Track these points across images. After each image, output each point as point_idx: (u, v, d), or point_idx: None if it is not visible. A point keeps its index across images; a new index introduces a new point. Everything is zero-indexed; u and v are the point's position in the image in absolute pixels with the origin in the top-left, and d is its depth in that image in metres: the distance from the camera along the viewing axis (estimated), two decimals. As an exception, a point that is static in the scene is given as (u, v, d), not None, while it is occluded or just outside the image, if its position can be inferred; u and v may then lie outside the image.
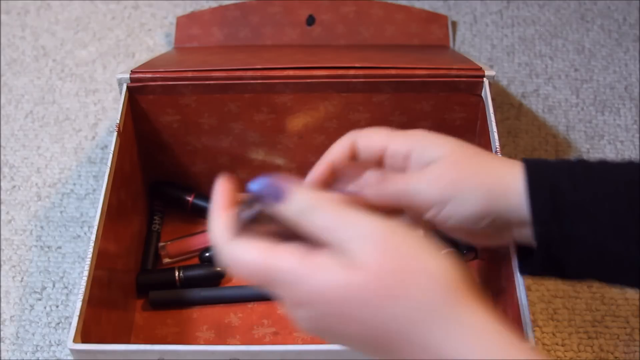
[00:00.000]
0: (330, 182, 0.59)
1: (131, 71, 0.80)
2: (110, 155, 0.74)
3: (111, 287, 0.72)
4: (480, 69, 0.79)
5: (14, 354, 0.79)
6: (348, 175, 0.60)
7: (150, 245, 0.85)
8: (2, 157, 0.94)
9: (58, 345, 0.79)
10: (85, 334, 0.63)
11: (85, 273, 0.66)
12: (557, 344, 0.78)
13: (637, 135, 0.94)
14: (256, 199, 0.49)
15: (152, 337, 0.79)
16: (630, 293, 0.81)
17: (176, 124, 0.83)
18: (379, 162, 0.59)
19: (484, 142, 0.79)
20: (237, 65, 0.80)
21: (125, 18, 1.07)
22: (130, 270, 0.80)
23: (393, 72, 0.79)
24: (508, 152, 0.93)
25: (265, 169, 0.87)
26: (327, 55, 0.91)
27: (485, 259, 0.81)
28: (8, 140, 0.95)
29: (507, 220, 0.56)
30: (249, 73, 0.80)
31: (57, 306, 0.82)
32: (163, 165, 0.87)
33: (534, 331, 0.62)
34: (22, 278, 0.84)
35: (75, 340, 0.62)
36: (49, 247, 0.86)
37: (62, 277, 0.84)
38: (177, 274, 0.81)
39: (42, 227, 0.88)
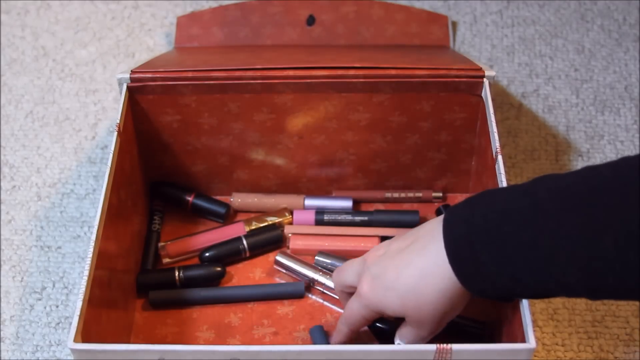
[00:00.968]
0: None
1: (131, 71, 0.80)
2: (110, 155, 0.74)
3: (111, 287, 0.72)
4: (480, 69, 0.79)
5: (14, 354, 0.79)
6: None
7: (150, 245, 0.85)
8: (2, 157, 0.94)
9: (58, 345, 0.79)
10: (86, 333, 0.64)
11: (85, 273, 0.66)
12: (557, 344, 0.78)
13: (637, 135, 0.94)
14: None
15: (152, 337, 0.79)
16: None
17: (176, 124, 0.83)
18: None
19: (484, 142, 0.79)
20: (237, 65, 0.80)
21: (125, 18, 1.07)
22: (130, 270, 0.80)
23: (393, 72, 0.79)
24: (508, 152, 0.93)
25: (265, 169, 0.87)
26: (327, 55, 0.91)
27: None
28: (8, 140, 0.95)
29: None
30: (249, 73, 0.80)
31: (57, 306, 0.82)
32: (163, 165, 0.87)
33: (534, 331, 0.62)
34: (22, 278, 0.84)
35: (75, 340, 0.62)
36: (49, 247, 0.86)
37: (62, 277, 0.84)
38: (177, 274, 0.81)
39: (42, 227, 0.88)
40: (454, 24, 1.05)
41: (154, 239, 0.85)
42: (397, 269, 0.66)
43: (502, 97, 0.98)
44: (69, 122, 0.97)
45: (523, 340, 0.62)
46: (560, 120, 0.96)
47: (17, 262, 0.85)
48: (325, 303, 0.81)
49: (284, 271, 0.83)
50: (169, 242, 0.85)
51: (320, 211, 0.87)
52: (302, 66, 0.80)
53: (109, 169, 0.73)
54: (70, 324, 0.70)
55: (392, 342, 0.71)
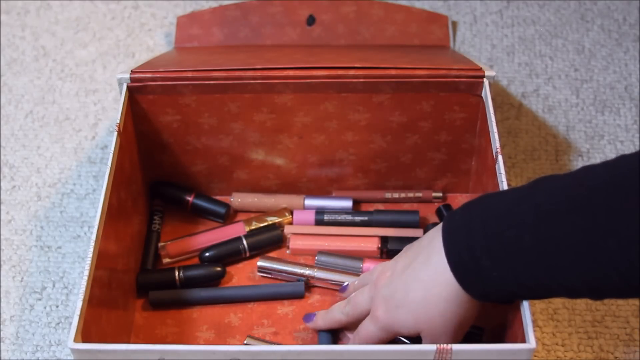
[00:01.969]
0: None
1: (131, 71, 0.80)
2: (110, 155, 0.74)
3: (111, 287, 0.72)
4: (480, 69, 0.79)
5: (14, 354, 0.79)
6: None
7: (150, 245, 0.85)
8: (2, 157, 0.94)
9: (58, 345, 0.79)
10: (86, 333, 0.64)
11: (85, 273, 0.66)
12: (557, 344, 0.78)
13: (637, 135, 0.94)
14: None
15: (152, 337, 0.79)
16: (630, 293, 0.81)
17: (176, 124, 0.83)
18: None
19: (484, 142, 0.79)
20: (237, 65, 0.80)
21: (125, 18, 1.07)
22: (130, 270, 0.80)
23: (393, 72, 0.79)
24: (508, 152, 0.93)
25: (265, 169, 0.87)
26: (327, 55, 0.91)
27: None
28: (8, 140, 0.95)
29: None
30: (249, 73, 0.80)
31: (57, 306, 0.82)
32: (163, 165, 0.87)
33: (534, 331, 0.62)
34: (22, 278, 0.84)
35: (75, 340, 0.62)
36: (49, 247, 0.86)
37: (62, 277, 0.84)
38: (177, 274, 0.81)
39: (42, 227, 0.88)
40: (454, 24, 1.05)
41: (154, 239, 0.85)
42: (405, 286, 0.67)
43: (502, 97, 0.98)
44: (69, 122, 0.97)
45: (523, 341, 0.62)
46: (560, 120, 0.96)
47: (17, 262, 0.85)
48: (326, 302, 0.81)
49: (269, 275, 0.82)
50: (169, 242, 0.85)
51: (320, 211, 0.87)
52: (302, 66, 0.80)
53: (109, 169, 0.73)
54: (70, 324, 0.70)
55: None
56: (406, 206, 0.89)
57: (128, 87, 0.80)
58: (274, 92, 0.81)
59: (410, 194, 0.89)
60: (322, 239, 0.85)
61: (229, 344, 0.77)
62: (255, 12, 0.98)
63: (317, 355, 0.63)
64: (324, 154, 0.86)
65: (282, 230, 0.85)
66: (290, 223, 0.87)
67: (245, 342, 0.77)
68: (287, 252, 0.85)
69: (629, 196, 0.55)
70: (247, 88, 0.80)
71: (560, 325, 0.79)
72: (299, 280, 0.81)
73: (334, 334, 0.77)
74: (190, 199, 0.87)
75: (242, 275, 0.84)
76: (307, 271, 0.81)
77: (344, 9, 0.98)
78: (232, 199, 0.88)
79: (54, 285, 0.83)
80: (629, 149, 0.93)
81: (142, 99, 0.81)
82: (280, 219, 0.86)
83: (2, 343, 0.79)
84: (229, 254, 0.84)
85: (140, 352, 0.62)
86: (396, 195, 0.89)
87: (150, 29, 1.06)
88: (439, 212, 0.87)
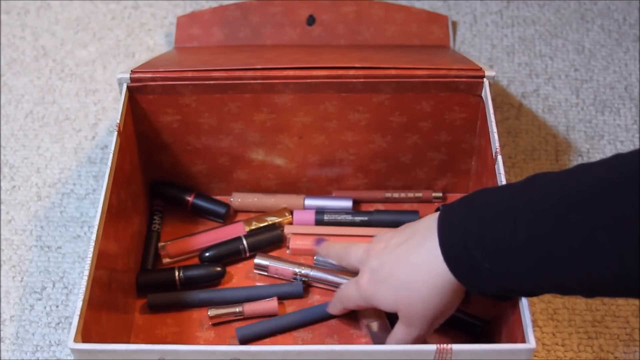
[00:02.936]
0: None
1: (131, 71, 0.80)
2: (110, 155, 0.74)
3: (111, 287, 0.72)
4: (480, 69, 0.79)
5: (14, 354, 0.79)
6: None
7: (150, 245, 0.85)
8: (2, 157, 0.94)
9: (58, 345, 0.79)
10: (86, 333, 0.64)
11: (85, 273, 0.66)
12: (557, 344, 0.78)
13: (637, 135, 0.94)
14: None
15: (152, 337, 0.79)
16: (630, 293, 0.81)
17: (176, 124, 0.83)
18: None
19: (484, 142, 0.79)
20: (237, 65, 0.80)
21: (125, 18, 1.07)
22: (130, 270, 0.80)
23: (393, 72, 0.79)
24: (508, 152, 0.93)
25: (265, 169, 0.87)
26: (327, 55, 0.91)
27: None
28: (8, 140, 0.95)
29: None
30: (249, 73, 0.80)
31: (57, 306, 0.82)
32: (163, 165, 0.87)
33: (534, 331, 0.62)
34: (22, 278, 0.84)
35: (75, 340, 0.62)
36: (49, 247, 0.86)
37: (62, 277, 0.84)
38: (177, 274, 0.81)
39: (42, 227, 0.88)
40: (454, 24, 1.05)
41: (154, 239, 0.85)
42: (393, 264, 0.67)
43: (502, 97, 0.98)
44: (69, 122, 0.97)
45: (523, 340, 0.62)
46: (560, 120, 0.96)
47: (17, 262, 0.85)
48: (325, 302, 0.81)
49: (265, 273, 0.82)
50: (169, 242, 0.85)
51: (320, 211, 0.87)
52: (302, 66, 0.80)
53: (109, 169, 0.73)
54: (70, 324, 0.70)
55: None
56: (406, 206, 0.89)
57: (128, 87, 0.80)
58: (274, 92, 0.81)
59: (410, 194, 0.89)
60: (322, 239, 0.85)
61: (229, 344, 0.77)
62: (255, 12, 0.98)
63: (317, 355, 0.63)
64: (324, 154, 0.86)
65: (282, 230, 0.85)
66: (290, 223, 0.87)
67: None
68: (287, 252, 0.84)
69: (624, 194, 0.55)
70: (247, 88, 0.80)
71: (560, 325, 0.80)
72: (295, 279, 0.81)
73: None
74: (190, 199, 0.87)
75: (242, 275, 0.84)
76: (303, 270, 0.81)
77: (344, 9, 0.98)
78: (232, 199, 0.88)
79: (54, 285, 0.83)
80: (629, 149, 0.93)
81: (142, 99, 0.81)
82: (280, 219, 0.86)
83: (2, 343, 0.79)
84: (229, 254, 0.84)
85: (140, 352, 0.62)
86: (396, 195, 0.89)
87: (150, 29, 1.06)
88: (439, 212, 0.87)
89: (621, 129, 0.95)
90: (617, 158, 0.58)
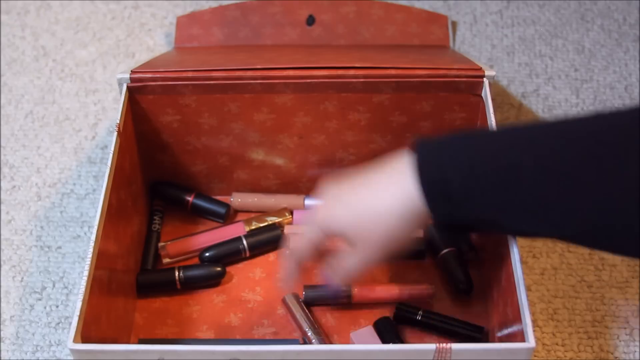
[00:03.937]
0: None
1: (131, 71, 0.80)
2: (110, 155, 0.74)
3: (111, 287, 0.72)
4: (480, 69, 0.79)
5: (14, 354, 0.79)
6: None
7: (150, 245, 0.85)
8: (2, 157, 0.94)
9: (58, 345, 0.79)
10: (85, 334, 0.64)
11: (85, 273, 0.66)
12: (557, 344, 0.78)
13: (637, 135, 0.94)
14: None
15: (152, 337, 0.79)
16: (630, 293, 0.81)
17: (176, 124, 0.83)
18: None
19: (484, 142, 0.79)
20: (237, 65, 0.80)
21: (125, 18, 1.07)
22: (130, 270, 0.80)
23: (393, 72, 0.79)
24: (508, 152, 0.93)
25: (265, 169, 0.87)
26: (327, 55, 0.91)
27: (486, 259, 0.81)
28: (8, 140, 0.95)
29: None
30: (249, 73, 0.80)
31: (57, 306, 0.82)
32: (163, 165, 0.87)
33: (534, 331, 0.62)
34: (22, 278, 0.84)
35: (75, 340, 0.62)
36: (49, 247, 0.86)
37: (62, 277, 0.84)
38: (177, 274, 0.81)
39: (42, 227, 0.88)
40: (454, 24, 1.05)
41: (154, 239, 0.85)
42: (355, 189, 0.67)
43: (502, 97, 0.98)
44: (69, 122, 0.97)
45: (523, 340, 0.62)
46: (560, 120, 0.96)
47: (17, 262, 0.85)
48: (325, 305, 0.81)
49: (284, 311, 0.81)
50: (169, 242, 0.85)
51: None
52: (302, 66, 0.80)
53: (109, 169, 0.73)
54: (70, 324, 0.70)
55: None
56: (406, 206, 0.89)
57: (128, 87, 0.80)
58: (274, 92, 0.81)
59: (410, 194, 0.89)
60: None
61: (229, 344, 0.77)
62: (255, 12, 0.98)
63: (317, 355, 0.63)
64: (324, 154, 0.86)
65: (282, 230, 0.85)
66: (291, 223, 0.87)
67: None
68: (287, 252, 0.84)
69: (603, 149, 0.56)
70: (247, 88, 0.80)
71: (560, 325, 0.80)
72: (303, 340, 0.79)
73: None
74: (190, 198, 0.87)
75: (242, 275, 0.84)
76: (311, 334, 0.78)
77: (344, 9, 0.98)
78: (232, 199, 0.88)
79: (54, 285, 0.83)
80: (629, 149, 0.93)
81: (142, 99, 0.81)
82: (280, 219, 0.86)
83: (2, 343, 0.79)
84: (229, 254, 0.84)
85: (140, 352, 0.62)
86: (396, 195, 0.89)
87: (150, 29, 1.06)
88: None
89: (621, 129, 0.95)
90: (599, 116, 0.59)
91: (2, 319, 0.81)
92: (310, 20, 0.98)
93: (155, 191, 0.88)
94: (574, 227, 0.59)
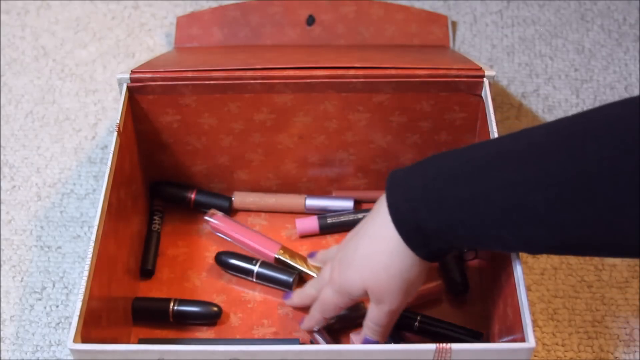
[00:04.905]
0: None
1: (131, 71, 0.80)
2: (110, 155, 0.74)
3: (111, 287, 0.72)
4: (480, 69, 0.79)
5: (14, 354, 0.79)
6: None
7: (150, 245, 0.85)
8: (2, 157, 0.94)
9: (58, 345, 0.79)
10: (85, 334, 0.64)
11: (85, 273, 0.66)
12: (557, 344, 0.78)
13: (637, 135, 0.94)
14: None
15: (152, 337, 0.78)
16: (630, 293, 0.81)
17: (176, 124, 0.83)
18: None
19: (484, 142, 0.79)
20: (237, 65, 0.80)
21: (125, 18, 1.07)
22: (130, 270, 0.80)
23: (393, 72, 0.79)
24: (508, 152, 0.93)
25: (265, 169, 0.87)
26: (327, 55, 0.91)
27: (485, 259, 0.81)
28: (8, 140, 0.95)
29: None
30: (249, 73, 0.80)
31: (57, 306, 0.82)
32: (163, 165, 0.87)
33: (534, 331, 0.62)
34: (22, 278, 0.84)
35: (75, 340, 0.62)
36: (49, 247, 0.86)
37: (62, 277, 0.84)
38: (171, 305, 0.78)
39: (42, 227, 0.88)
40: (454, 24, 1.05)
41: (154, 239, 0.85)
42: (355, 244, 0.68)
43: (502, 97, 0.98)
44: (69, 122, 0.97)
45: (523, 340, 0.62)
46: (560, 120, 0.96)
47: (17, 262, 0.85)
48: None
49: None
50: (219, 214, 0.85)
51: (322, 216, 0.86)
52: (302, 66, 0.80)
53: (109, 169, 0.73)
54: (70, 324, 0.70)
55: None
56: (406, 206, 0.89)
57: (128, 87, 0.80)
58: (274, 92, 0.81)
59: (410, 194, 0.89)
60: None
61: (229, 344, 0.77)
62: (255, 12, 0.98)
63: (317, 355, 0.63)
64: (324, 154, 0.86)
65: (295, 278, 0.81)
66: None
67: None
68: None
69: (559, 154, 0.57)
70: (247, 88, 0.80)
71: (560, 325, 0.80)
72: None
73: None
74: (192, 195, 0.87)
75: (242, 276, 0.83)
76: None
77: (344, 9, 0.98)
78: (233, 198, 0.88)
79: (54, 285, 0.83)
80: (629, 149, 0.93)
81: (142, 99, 0.81)
82: (305, 270, 0.82)
83: (2, 343, 0.79)
84: (240, 269, 0.82)
85: (140, 352, 0.62)
86: (396, 195, 0.89)
87: (150, 29, 1.06)
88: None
89: (621, 129, 0.95)
90: (559, 122, 0.60)
91: (2, 319, 0.81)
92: (310, 20, 0.98)
93: (155, 191, 0.88)
94: (546, 243, 0.60)
